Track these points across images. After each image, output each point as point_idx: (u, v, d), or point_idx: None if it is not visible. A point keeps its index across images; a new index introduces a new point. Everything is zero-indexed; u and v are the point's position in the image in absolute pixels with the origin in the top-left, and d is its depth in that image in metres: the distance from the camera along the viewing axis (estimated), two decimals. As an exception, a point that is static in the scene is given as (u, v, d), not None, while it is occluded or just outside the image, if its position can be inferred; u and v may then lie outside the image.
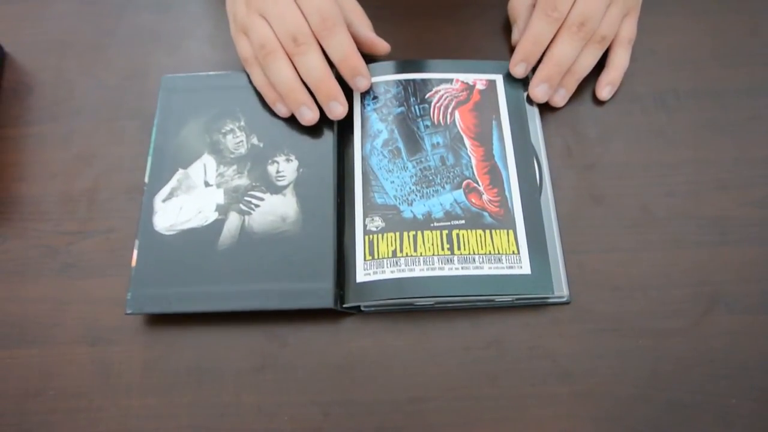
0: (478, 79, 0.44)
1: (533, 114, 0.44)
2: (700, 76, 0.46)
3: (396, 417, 0.37)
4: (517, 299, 0.38)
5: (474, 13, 0.49)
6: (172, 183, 0.42)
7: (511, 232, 0.38)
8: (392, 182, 0.40)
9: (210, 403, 0.38)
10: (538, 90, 0.43)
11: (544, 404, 0.37)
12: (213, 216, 0.40)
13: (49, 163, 0.46)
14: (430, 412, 0.37)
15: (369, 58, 0.44)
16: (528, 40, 0.43)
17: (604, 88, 0.44)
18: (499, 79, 0.44)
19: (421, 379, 0.38)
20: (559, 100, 0.44)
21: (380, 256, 0.38)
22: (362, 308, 0.39)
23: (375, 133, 0.42)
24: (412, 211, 0.39)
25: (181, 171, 0.42)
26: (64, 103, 0.48)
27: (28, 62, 0.50)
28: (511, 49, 0.47)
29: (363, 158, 0.41)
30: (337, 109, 0.41)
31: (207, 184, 0.42)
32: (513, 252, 0.38)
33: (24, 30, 0.51)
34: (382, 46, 0.44)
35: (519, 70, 0.43)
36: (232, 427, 0.37)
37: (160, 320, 0.40)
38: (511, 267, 0.37)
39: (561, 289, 0.38)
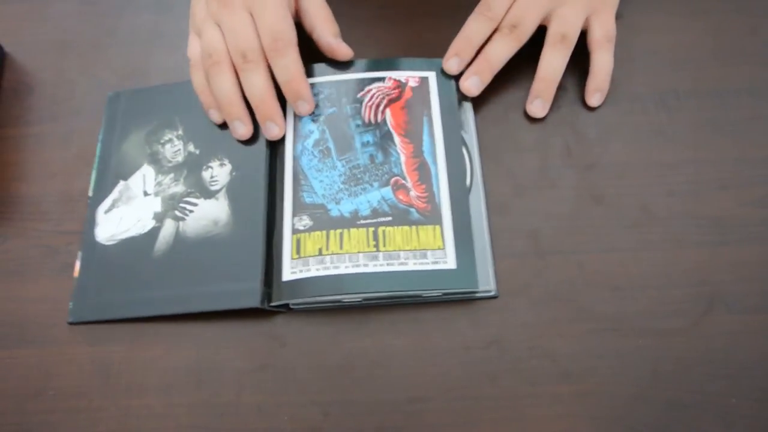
0: (411, 77, 0.44)
1: (467, 110, 0.44)
2: (700, 76, 0.46)
3: (396, 417, 0.37)
4: (445, 294, 0.38)
5: (474, 13, 0.49)
6: (114, 195, 0.43)
7: (437, 227, 0.39)
8: (321, 181, 0.41)
9: (210, 403, 0.38)
10: (469, 82, 0.43)
11: (544, 404, 0.37)
12: (150, 224, 0.41)
13: (49, 163, 0.46)
14: (429, 412, 0.37)
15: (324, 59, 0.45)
16: (461, 37, 0.43)
17: (593, 96, 0.44)
18: (431, 76, 0.44)
19: (421, 379, 0.38)
20: (539, 111, 0.44)
21: (306, 255, 0.38)
22: (291, 306, 0.39)
23: (306, 133, 0.43)
24: (339, 210, 0.40)
25: (122, 183, 0.43)
26: (64, 103, 0.48)
27: (28, 62, 0.50)
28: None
29: (294, 158, 0.42)
30: (273, 130, 0.42)
31: (146, 194, 0.42)
32: (439, 247, 0.38)
33: (24, 30, 0.51)
34: (342, 52, 0.44)
35: (451, 65, 0.44)
36: (232, 427, 0.37)
37: (159, 320, 0.40)
38: (436, 262, 0.38)
39: (488, 284, 0.38)
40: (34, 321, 0.40)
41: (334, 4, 0.47)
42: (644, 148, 0.43)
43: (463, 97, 0.44)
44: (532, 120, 0.44)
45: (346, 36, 0.45)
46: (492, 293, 0.39)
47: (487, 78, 0.44)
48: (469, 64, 0.44)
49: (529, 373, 0.38)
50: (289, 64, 0.41)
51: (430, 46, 0.48)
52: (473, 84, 0.43)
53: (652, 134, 0.44)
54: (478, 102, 0.45)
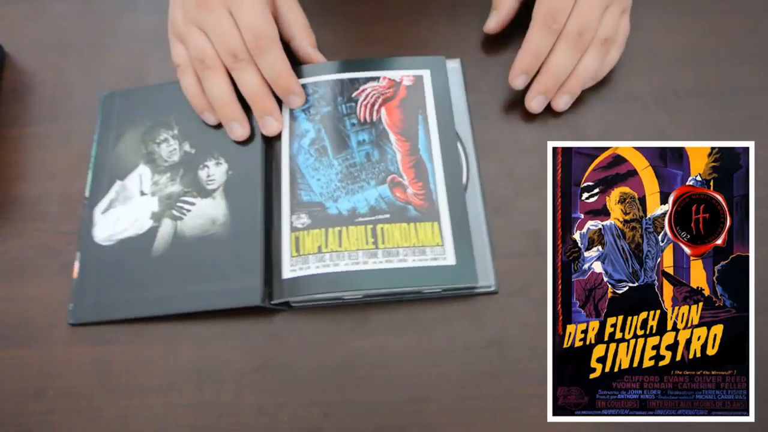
0: (405, 76, 0.44)
1: (462, 106, 0.44)
2: (700, 76, 0.46)
3: (396, 417, 0.37)
4: (444, 290, 0.39)
5: (474, 12, 0.49)
6: (110, 195, 0.43)
7: (435, 224, 0.39)
8: (318, 180, 0.41)
9: (210, 403, 0.38)
10: (535, 102, 0.43)
11: (544, 404, 0.37)
12: (148, 224, 0.41)
13: (48, 163, 0.46)
14: (430, 412, 0.37)
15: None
16: (528, 53, 0.42)
17: (560, 98, 0.43)
18: (426, 74, 0.44)
19: (421, 379, 0.38)
20: (563, 105, 0.44)
21: (306, 252, 0.39)
22: (291, 304, 0.39)
23: (302, 132, 0.43)
24: (337, 208, 0.40)
25: (118, 183, 0.43)
26: (63, 103, 0.48)
27: (28, 62, 0.50)
28: (488, 40, 0.47)
29: (290, 157, 0.42)
30: (272, 125, 0.42)
31: (142, 194, 0.43)
32: (437, 244, 0.38)
33: (24, 30, 0.51)
34: (320, 62, 0.45)
35: (519, 82, 0.43)
36: (232, 427, 0.37)
37: (160, 320, 0.40)
38: (435, 259, 0.38)
39: (488, 279, 0.39)
40: (34, 321, 0.40)
41: (332, 3, 0.47)
42: (644, 148, 0.43)
43: (459, 94, 0.44)
44: (532, 120, 0.44)
45: (344, 36, 0.45)
46: (492, 288, 0.39)
47: (553, 94, 0.43)
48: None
49: (529, 373, 0.38)
50: (275, 61, 0.41)
51: (429, 45, 0.48)
52: (538, 103, 0.43)
53: (652, 134, 0.44)
54: (478, 102, 0.45)
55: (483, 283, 0.38)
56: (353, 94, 0.44)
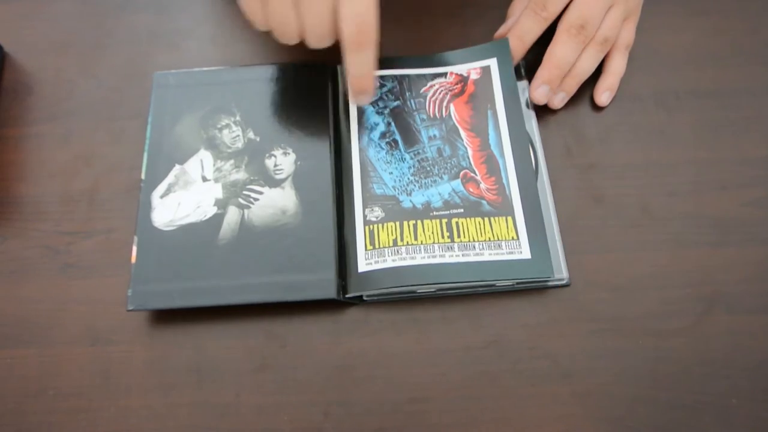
0: (473, 69, 0.44)
1: (527, 99, 0.44)
2: (700, 76, 0.46)
3: (396, 417, 0.37)
4: (518, 283, 0.39)
5: (474, 12, 0.49)
6: (169, 179, 0.42)
7: (509, 218, 0.39)
8: (390, 173, 0.41)
9: (210, 403, 0.38)
10: (539, 92, 0.43)
11: (544, 404, 0.37)
12: (212, 210, 0.41)
13: (48, 163, 0.46)
14: (430, 413, 0.37)
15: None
16: (552, 65, 0.43)
17: (603, 94, 0.45)
18: (493, 63, 0.44)
19: (421, 379, 0.38)
20: (558, 102, 0.44)
21: (381, 246, 0.39)
22: (364, 298, 0.39)
23: (371, 125, 0.43)
24: (411, 201, 0.40)
25: (177, 167, 0.42)
26: (63, 103, 0.48)
27: (28, 62, 0.50)
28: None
29: (360, 150, 0.42)
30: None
31: (204, 179, 0.42)
32: (512, 238, 0.38)
33: (24, 30, 0.51)
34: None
35: (540, 96, 0.43)
36: (232, 427, 0.37)
37: (160, 320, 0.40)
38: (511, 252, 0.38)
39: (561, 272, 0.39)
40: (33, 321, 0.40)
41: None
42: (644, 148, 0.43)
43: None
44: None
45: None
46: (564, 281, 0.39)
47: (557, 85, 0.43)
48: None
49: (529, 373, 0.38)
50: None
51: (429, 46, 0.48)
52: (542, 93, 0.43)
53: (652, 134, 0.44)
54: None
55: (557, 276, 0.38)
56: (421, 90, 0.44)
